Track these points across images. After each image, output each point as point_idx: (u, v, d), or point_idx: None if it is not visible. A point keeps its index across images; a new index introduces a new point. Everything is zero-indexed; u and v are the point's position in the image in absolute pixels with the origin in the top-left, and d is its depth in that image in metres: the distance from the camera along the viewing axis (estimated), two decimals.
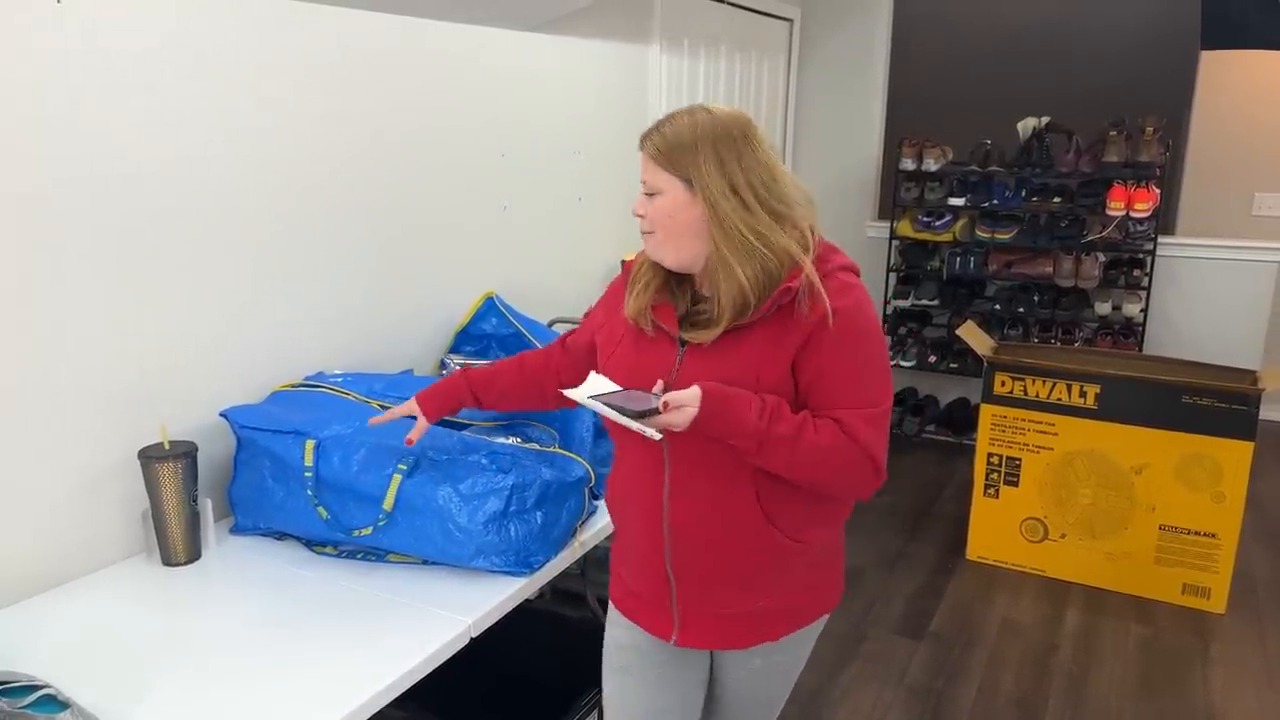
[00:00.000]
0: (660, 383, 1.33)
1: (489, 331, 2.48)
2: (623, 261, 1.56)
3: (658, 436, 1.26)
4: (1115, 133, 3.94)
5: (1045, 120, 4.08)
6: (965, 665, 2.77)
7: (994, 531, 3.36)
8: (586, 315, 1.63)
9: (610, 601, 1.58)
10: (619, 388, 1.34)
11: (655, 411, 1.24)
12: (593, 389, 1.34)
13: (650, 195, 1.36)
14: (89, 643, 1.45)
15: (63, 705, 1.22)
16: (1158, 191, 3.87)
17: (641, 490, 1.41)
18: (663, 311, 1.39)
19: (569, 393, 1.35)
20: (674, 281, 1.42)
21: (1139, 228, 3.96)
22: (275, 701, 1.30)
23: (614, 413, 1.26)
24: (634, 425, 1.25)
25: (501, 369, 1.68)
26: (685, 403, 1.24)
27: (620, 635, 1.56)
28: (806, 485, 1.34)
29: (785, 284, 1.29)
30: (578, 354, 1.62)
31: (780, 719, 1.65)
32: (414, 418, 1.68)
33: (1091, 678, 2.71)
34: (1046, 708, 2.57)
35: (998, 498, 3.32)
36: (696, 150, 1.31)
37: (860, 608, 3.09)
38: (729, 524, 1.36)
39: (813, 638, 1.54)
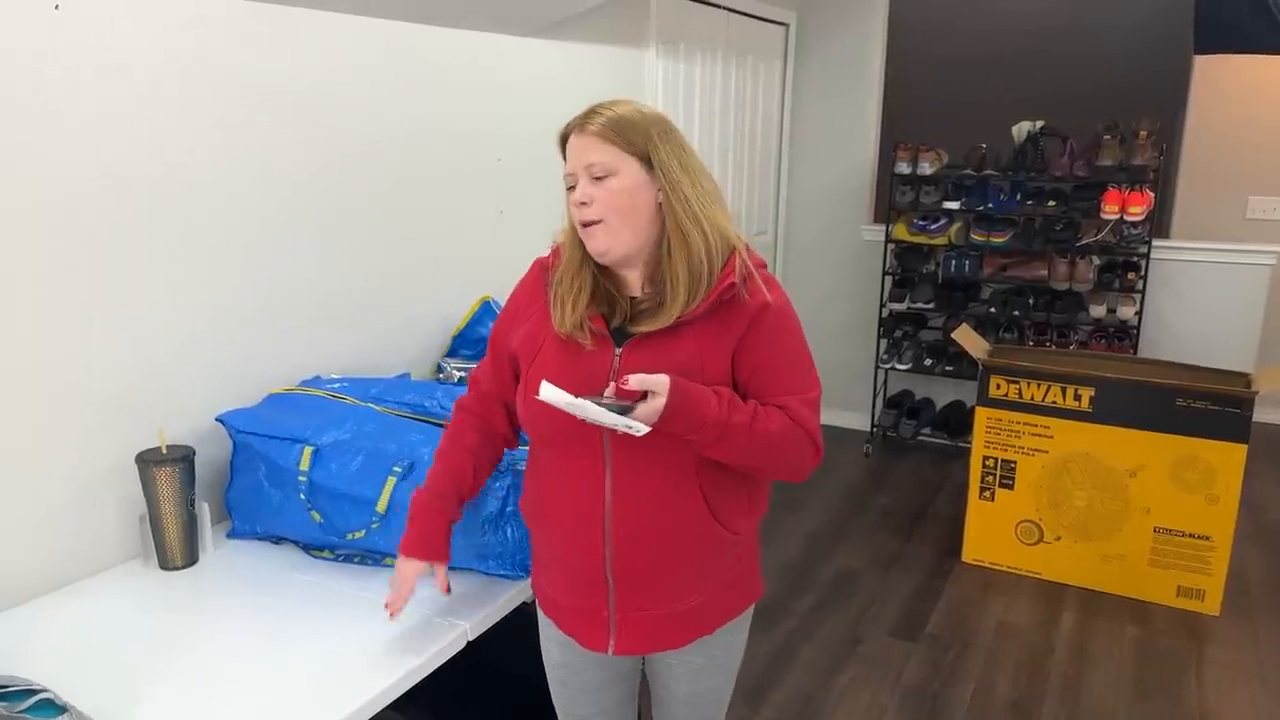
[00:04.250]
0: (612, 385, 1.28)
1: (485, 335, 2.48)
2: (539, 259, 1.45)
3: (645, 430, 1.22)
4: (1110, 136, 3.96)
5: (1040, 124, 4.09)
6: (961, 667, 2.78)
7: (989, 534, 3.37)
8: (491, 336, 1.50)
9: (539, 609, 1.54)
10: (571, 396, 1.23)
11: (635, 406, 1.21)
12: (558, 396, 1.22)
13: (600, 179, 1.29)
14: (86, 646, 1.45)
15: (61, 709, 1.22)
16: (1152, 195, 3.88)
17: (577, 497, 1.36)
18: (595, 320, 1.33)
19: (549, 397, 1.22)
20: (605, 284, 1.36)
21: (1133, 231, 3.97)
22: (272, 705, 1.30)
23: (604, 412, 1.19)
24: (620, 422, 1.21)
25: (456, 466, 1.49)
26: (656, 389, 1.21)
27: (553, 651, 1.55)
28: (754, 471, 1.36)
29: (725, 280, 1.30)
30: (499, 387, 1.48)
31: None
32: (426, 571, 1.47)
33: (1086, 679, 2.72)
34: (1042, 709, 2.57)
35: (993, 500, 3.33)
36: (649, 128, 1.31)
37: (856, 610, 3.10)
38: (676, 521, 1.35)
39: (745, 628, 1.55)
